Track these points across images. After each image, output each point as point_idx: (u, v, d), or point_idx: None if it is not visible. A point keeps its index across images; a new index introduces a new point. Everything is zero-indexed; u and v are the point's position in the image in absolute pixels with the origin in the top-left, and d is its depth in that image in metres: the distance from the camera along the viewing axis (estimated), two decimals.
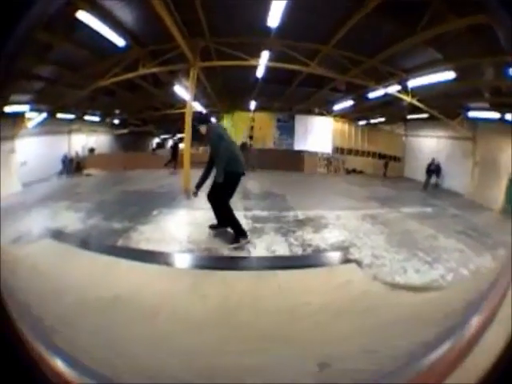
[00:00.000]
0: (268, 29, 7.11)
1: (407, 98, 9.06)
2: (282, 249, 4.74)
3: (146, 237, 5.01)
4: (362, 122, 11.48)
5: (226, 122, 11.14)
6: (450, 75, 7.48)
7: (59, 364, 1.11)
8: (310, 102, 10.79)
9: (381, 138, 11.24)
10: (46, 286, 3.04)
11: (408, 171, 11.16)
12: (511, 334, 0.88)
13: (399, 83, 8.89)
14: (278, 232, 5.26)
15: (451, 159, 9.55)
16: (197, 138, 7.89)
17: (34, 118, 8.89)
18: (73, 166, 9.64)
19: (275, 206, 6.33)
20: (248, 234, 4.65)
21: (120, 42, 7.28)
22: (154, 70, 8.42)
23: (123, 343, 2.36)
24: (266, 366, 2.16)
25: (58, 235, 4.99)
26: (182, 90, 9.08)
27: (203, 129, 4.73)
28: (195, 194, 4.72)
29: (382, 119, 11.52)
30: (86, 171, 9.67)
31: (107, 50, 7.77)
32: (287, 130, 11.05)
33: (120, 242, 4.80)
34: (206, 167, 4.75)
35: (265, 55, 8.19)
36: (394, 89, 9.04)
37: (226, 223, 4.69)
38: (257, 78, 9.24)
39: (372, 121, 11.44)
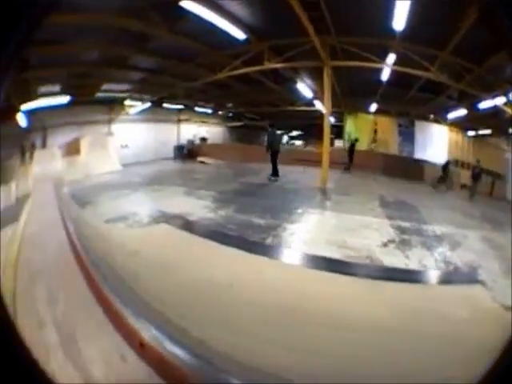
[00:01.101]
0: (392, 31, 6.93)
1: (510, 111, 8.45)
2: (430, 264, 4.90)
3: (298, 237, 5.03)
4: (471, 133, 10.90)
5: (349, 124, 11.10)
6: None
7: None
8: (425, 108, 10.47)
9: (487, 151, 10.58)
10: (160, 278, 2.97)
11: (510, 191, 10.35)
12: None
13: (504, 94, 8.37)
14: (424, 246, 5.38)
15: None
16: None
17: (136, 105, 9.46)
18: (184, 152, 10.07)
19: (412, 217, 6.44)
20: (279, 176, 8.74)
21: (240, 35, 7.04)
22: (280, 65, 8.11)
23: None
24: None
25: (178, 222, 4.98)
26: (304, 88, 9.05)
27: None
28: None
29: (489, 131, 10.84)
30: (199, 159, 10.06)
31: (222, 42, 7.65)
32: (407, 136, 10.87)
33: (269, 241, 4.78)
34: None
35: (391, 58, 7.98)
36: (500, 100, 8.53)
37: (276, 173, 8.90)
38: (380, 81, 9.04)
39: (480, 132, 10.80)
